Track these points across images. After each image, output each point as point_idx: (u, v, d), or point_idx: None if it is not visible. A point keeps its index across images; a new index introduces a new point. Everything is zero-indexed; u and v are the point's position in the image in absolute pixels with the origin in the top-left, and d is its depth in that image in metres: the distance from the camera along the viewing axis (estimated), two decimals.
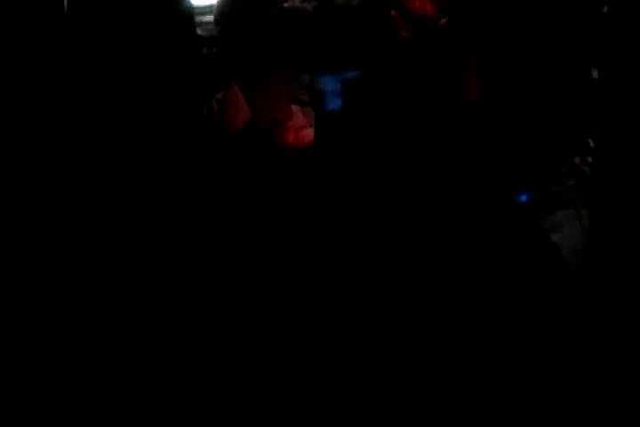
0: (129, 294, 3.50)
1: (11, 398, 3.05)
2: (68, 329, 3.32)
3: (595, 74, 4.74)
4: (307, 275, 3.68)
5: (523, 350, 3.38)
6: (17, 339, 3.26)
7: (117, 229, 3.78)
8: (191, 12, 4.43)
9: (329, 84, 5.28)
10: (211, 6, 4.53)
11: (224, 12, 4.45)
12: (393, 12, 4.41)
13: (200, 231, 3.86)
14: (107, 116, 4.12)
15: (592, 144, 4.67)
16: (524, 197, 4.41)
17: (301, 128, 5.26)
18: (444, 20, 4.35)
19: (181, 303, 3.51)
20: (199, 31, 4.53)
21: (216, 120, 4.98)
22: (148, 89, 4.24)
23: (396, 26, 4.42)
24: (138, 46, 4.28)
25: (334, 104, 5.27)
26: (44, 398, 3.07)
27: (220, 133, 4.90)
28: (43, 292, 3.46)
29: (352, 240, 3.92)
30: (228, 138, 4.87)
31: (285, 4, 5.26)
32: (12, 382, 3.11)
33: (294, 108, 5.18)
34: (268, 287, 3.60)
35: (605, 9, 4.52)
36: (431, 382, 3.25)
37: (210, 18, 4.53)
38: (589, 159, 4.70)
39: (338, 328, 3.45)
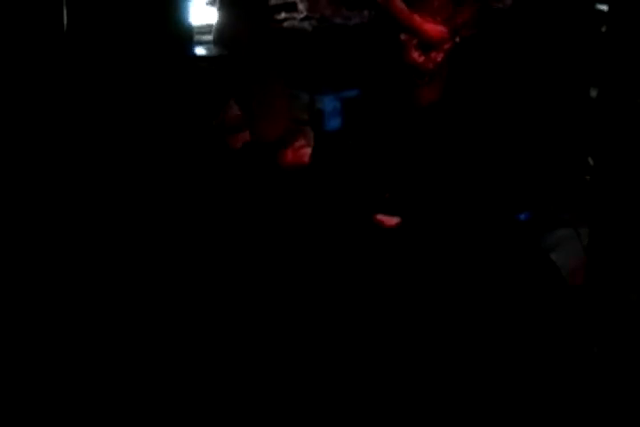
0: (129, 294, 3.51)
1: (11, 397, 3.06)
2: (68, 329, 3.33)
3: (593, 93, 4.75)
4: (303, 285, 3.69)
5: (521, 365, 3.38)
6: (17, 339, 3.27)
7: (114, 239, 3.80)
8: (190, 32, 4.44)
9: (328, 103, 5.29)
10: (209, 26, 4.54)
11: (223, 33, 4.47)
12: (403, 36, 4.41)
13: (197, 244, 3.87)
14: (106, 133, 4.13)
15: (591, 163, 4.67)
16: (523, 216, 4.41)
17: (300, 147, 5.26)
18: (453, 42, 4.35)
19: (180, 304, 3.52)
20: (198, 50, 4.54)
21: (215, 139, 4.99)
22: (147, 107, 4.25)
23: (406, 49, 4.41)
24: (137, 64, 4.29)
25: (333, 123, 5.28)
26: (43, 398, 3.07)
27: (218, 152, 4.91)
28: (43, 292, 3.47)
29: (350, 258, 3.92)
30: (226, 156, 4.88)
31: (284, 24, 5.28)
32: (12, 382, 3.11)
33: (293, 127, 5.19)
34: (266, 296, 3.62)
35: (604, 29, 4.53)
36: (428, 388, 3.26)
37: (209, 37, 4.54)
38: (588, 178, 4.70)
39: (337, 330, 3.46)
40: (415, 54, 4.38)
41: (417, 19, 4.31)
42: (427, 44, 4.36)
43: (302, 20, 5.20)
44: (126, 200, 3.97)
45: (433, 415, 3.15)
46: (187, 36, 4.46)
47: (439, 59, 4.36)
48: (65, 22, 4.09)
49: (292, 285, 3.68)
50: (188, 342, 3.35)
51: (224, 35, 4.47)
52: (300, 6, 5.36)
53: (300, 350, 3.35)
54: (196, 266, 3.74)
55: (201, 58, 4.54)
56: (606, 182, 4.11)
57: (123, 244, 3.76)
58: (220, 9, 4.46)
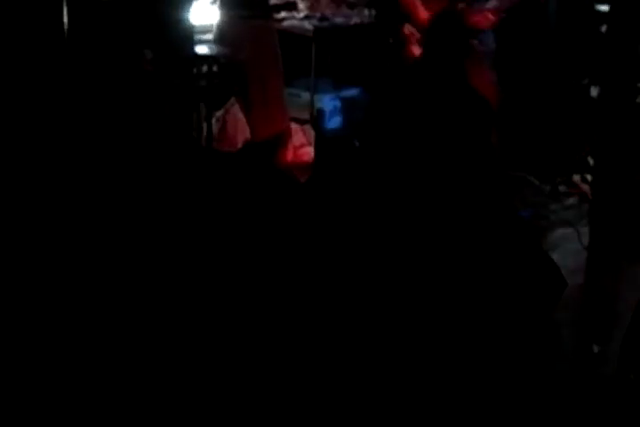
0: (128, 295, 3.51)
1: (11, 397, 3.06)
2: (67, 329, 3.33)
3: (594, 93, 4.76)
4: (303, 290, 3.69)
5: (520, 365, 3.38)
6: (17, 339, 3.27)
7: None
8: (191, 31, 4.45)
9: (328, 102, 5.30)
10: (210, 25, 4.54)
11: (225, 33, 4.47)
12: (407, 30, 4.39)
13: (194, 248, 3.87)
14: (104, 133, 4.14)
15: (591, 162, 4.68)
16: (525, 213, 4.42)
17: (301, 146, 5.27)
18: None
19: (179, 305, 3.52)
20: (199, 50, 4.53)
21: (215, 138, 4.99)
22: (147, 106, 4.25)
23: (407, 43, 4.40)
24: (137, 63, 4.30)
25: (333, 123, 5.29)
26: (43, 398, 3.07)
27: (217, 151, 4.91)
28: (42, 292, 3.47)
29: (349, 259, 3.92)
30: (225, 156, 4.87)
31: (285, 23, 5.28)
32: (11, 382, 3.11)
33: (294, 126, 5.19)
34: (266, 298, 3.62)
35: (604, 28, 4.54)
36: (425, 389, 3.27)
37: (209, 36, 4.54)
38: (589, 177, 4.71)
39: (335, 331, 3.46)
40: (416, 50, 4.36)
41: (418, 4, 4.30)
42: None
43: (303, 19, 5.20)
44: (125, 201, 3.97)
45: (431, 415, 3.15)
46: (187, 34, 4.46)
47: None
48: (65, 23, 4.10)
49: (292, 285, 3.68)
50: (188, 342, 3.35)
51: (226, 35, 4.47)
52: (301, 5, 5.36)
53: (300, 349, 3.36)
54: (196, 267, 3.74)
55: (202, 57, 4.53)
56: (606, 181, 4.13)
57: (121, 245, 3.76)
58: (221, 8, 4.46)
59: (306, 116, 5.23)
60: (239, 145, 5.06)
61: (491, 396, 3.21)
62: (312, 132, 5.16)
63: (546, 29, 4.90)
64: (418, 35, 4.36)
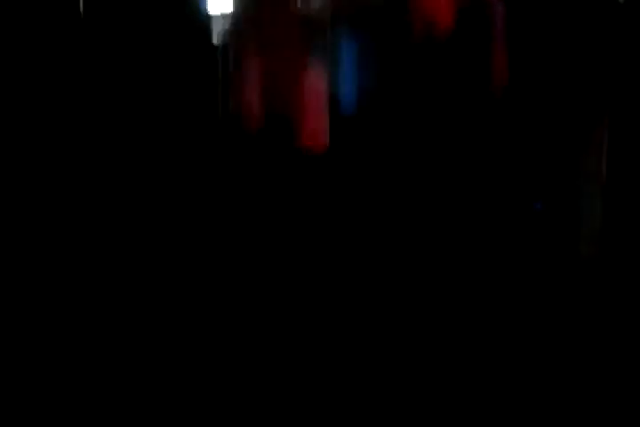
0: (128, 295, 3.50)
1: (11, 398, 3.08)
2: (68, 329, 3.33)
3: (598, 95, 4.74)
4: (308, 276, 3.70)
5: (523, 364, 3.40)
6: (17, 339, 3.28)
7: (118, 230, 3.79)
8: (208, 21, 4.46)
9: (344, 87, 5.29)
10: (227, 15, 4.53)
11: (239, 20, 4.47)
12: (411, 14, 4.36)
13: (205, 232, 3.87)
14: (119, 122, 4.16)
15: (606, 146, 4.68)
16: (537, 205, 4.44)
17: (316, 130, 5.27)
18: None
19: (181, 304, 3.51)
20: (216, 39, 4.54)
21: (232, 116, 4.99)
22: (163, 96, 4.27)
23: (412, 28, 4.38)
24: (153, 53, 4.31)
25: (349, 107, 5.29)
26: (43, 398, 3.09)
27: (234, 132, 4.91)
28: (43, 292, 3.47)
29: (358, 248, 3.93)
30: (243, 137, 4.88)
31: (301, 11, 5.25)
32: (11, 382, 3.13)
33: (309, 110, 5.19)
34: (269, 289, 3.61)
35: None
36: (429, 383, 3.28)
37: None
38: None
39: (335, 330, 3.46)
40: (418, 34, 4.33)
41: None
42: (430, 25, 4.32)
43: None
44: (134, 191, 3.98)
45: (432, 415, 3.18)
46: (205, 24, 4.47)
47: None
48: (82, 12, 4.11)
49: (294, 281, 3.70)
50: (188, 342, 3.36)
51: (240, 22, 4.48)
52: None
53: (300, 348, 3.38)
54: (205, 260, 3.74)
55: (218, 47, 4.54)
56: (617, 183, 4.12)
57: (127, 237, 3.76)
58: None
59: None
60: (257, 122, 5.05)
61: (494, 396, 3.25)
62: (327, 117, 5.15)
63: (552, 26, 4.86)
64: (419, 20, 4.33)
